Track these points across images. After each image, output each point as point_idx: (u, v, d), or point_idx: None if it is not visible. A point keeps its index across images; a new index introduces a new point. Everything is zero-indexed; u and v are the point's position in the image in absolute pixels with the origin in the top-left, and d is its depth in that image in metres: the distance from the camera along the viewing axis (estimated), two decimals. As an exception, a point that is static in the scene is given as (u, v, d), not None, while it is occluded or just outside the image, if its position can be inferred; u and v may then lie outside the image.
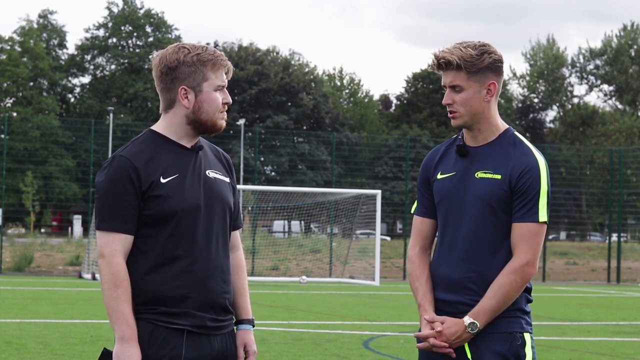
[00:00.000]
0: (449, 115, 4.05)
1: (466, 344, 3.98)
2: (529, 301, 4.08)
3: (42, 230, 53.91)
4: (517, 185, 3.94)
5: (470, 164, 4.03)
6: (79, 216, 51.50)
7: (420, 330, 4.06)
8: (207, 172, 3.85)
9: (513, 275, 3.92)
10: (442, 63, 3.99)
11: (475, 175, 4.01)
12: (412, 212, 4.27)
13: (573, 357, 12.55)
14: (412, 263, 4.15)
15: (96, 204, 3.76)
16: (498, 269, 3.95)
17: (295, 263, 37.11)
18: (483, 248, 3.98)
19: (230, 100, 3.88)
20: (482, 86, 3.99)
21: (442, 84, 4.05)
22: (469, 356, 3.97)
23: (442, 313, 4.02)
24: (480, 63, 3.96)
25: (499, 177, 3.97)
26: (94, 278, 29.00)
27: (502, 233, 3.97)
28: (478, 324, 3.92)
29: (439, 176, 4.10)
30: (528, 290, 4.05)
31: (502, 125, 4.08)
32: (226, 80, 3.85)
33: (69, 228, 52.58)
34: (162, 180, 3.73)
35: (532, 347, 4.02)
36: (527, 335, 4.00)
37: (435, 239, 4.19)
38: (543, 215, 3.95)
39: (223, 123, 3.86)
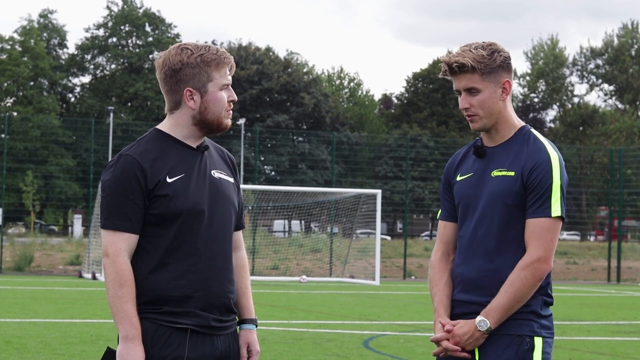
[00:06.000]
0: (468, 119, 4.01)
1: None
2: (548, 304, 3.98)
3: (42, 228, 53.88)
4: (528, 181, 3.90)
5: (487, 163, 4.00)
6: (79, 216, 51.49)
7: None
8: (212, 172, 3.85)
9: (523, 272, 3.84)
10: (456, 67, 3.92)
11: (492, 174, 3.98)
12: (437, 217, 4.24)
13: (573, 357, 12.55)
14: (432, 268, 4.13)
15: (102, 202, 3.75)
16: (514, 268, 3.89)
17: (295, 262, 37.10)
18: (500, 247, 3.93)
19: (236, 98, 3.87)
20: (497, 85, 3.96)
21: (455, 88, 3.99)
22: (477, 358, 3.93)
23: (458, 313, 3.98)
24: (493, 62, 3.93)
25: (512, 174, 3.93)
26: (94, 278, 29.01)
27: (519, 231, 3.91)
28: (488, 322, 3.86)
29: (459, 178, 4.08)
30: (546, 293, 3.96)
31: (518, 123, 4.05)
32: (230, 78, 3.84)
33: (69, 228, 52.56)
34: (168, 180, 3.73)
35: (545, 353, 3.91)
36: (538, 340, 3.90)
37: None
38: (556, 210, 3.87)
39: (229, 122, 3.86)
